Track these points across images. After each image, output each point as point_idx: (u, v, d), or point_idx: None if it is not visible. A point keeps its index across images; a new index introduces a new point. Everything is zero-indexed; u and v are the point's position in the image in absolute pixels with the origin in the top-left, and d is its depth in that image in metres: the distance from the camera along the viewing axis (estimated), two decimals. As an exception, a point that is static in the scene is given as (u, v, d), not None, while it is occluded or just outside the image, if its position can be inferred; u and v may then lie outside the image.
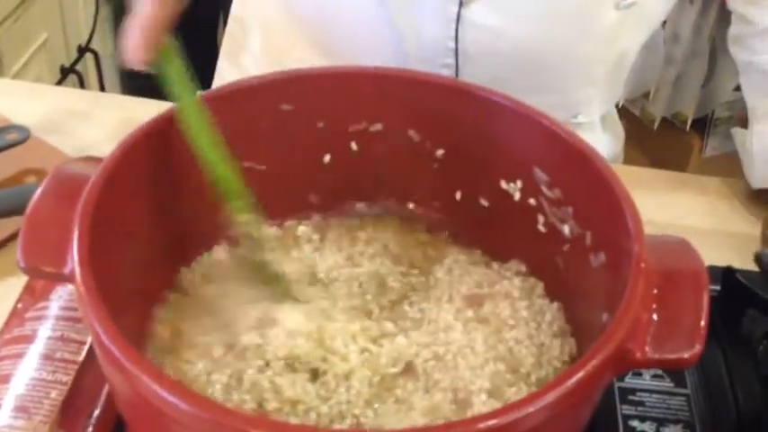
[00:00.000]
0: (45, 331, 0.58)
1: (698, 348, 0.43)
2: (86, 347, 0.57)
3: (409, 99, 0.58)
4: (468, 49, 0.78)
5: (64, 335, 0.58)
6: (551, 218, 0.55)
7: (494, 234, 0.59)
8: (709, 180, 0.87)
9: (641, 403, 0.55)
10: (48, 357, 0.57)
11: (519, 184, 0.57)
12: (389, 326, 0.54)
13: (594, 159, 0.52)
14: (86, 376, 0.55)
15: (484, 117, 0.57)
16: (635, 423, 0.54)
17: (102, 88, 1.69)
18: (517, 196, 0.57)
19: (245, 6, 0.91)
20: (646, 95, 1.76)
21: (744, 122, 1.75)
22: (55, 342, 0.58)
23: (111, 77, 1.71)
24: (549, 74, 0.82)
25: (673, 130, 1.79)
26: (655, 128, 1.79)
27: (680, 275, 0.46)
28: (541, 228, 0.56)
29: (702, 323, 0.44)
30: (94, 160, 0.52)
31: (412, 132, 0.59)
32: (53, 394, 0.54)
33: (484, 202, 0.59)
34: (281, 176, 0.59)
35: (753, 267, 0.75)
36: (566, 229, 0.54)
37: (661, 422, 0.54)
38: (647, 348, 0.43)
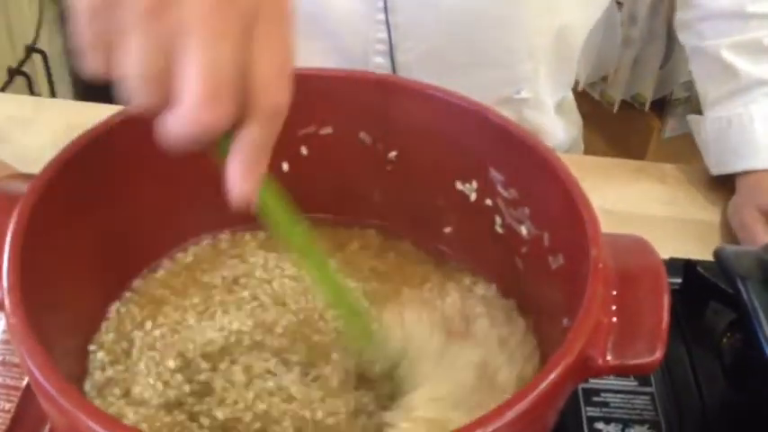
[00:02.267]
0: (-15, 356, 0.56)
1: (659, 354, 0.42)
2: (30, 372, 0.55)
3: (357, 100, 0.57)
4: (399, 20, 0.77)
5: (5, 359, 0.55)
6: (509, 219, 0.54)
7: (450, 236, 0.58)
8: (667, 167, 0.86)
9: (606, 404, 0.54)
10: (-11, 384, 0.54)
11: (475, 184, 0.55)
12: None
13: (549, 158, 0.50)
14: (30, 403, 0.53)
15: (435, 116, 0.56)
16: (600, 425, 0.53)
17: (53, 89, 1.65)
18: (473, 197, 0.55)
19: None
20: (605, 78, 1.76)
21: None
22: (-4, 367, 0.55)
23: (61, 78, 1.67)
24: (486, 45, 0.81)
25: (632, 112, 1.79)
26: (614, 110, 1.79)
27: (639, 276, 0.45)
28: (499, 229, 0.54)
29: (663, 326, 0.43)
30: (29, 177, 0.49)
31: (363, 134, 0.57)
32: (-4, 423, 0.52)
33: (440, 203, 0.57)
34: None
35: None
36: (523, 230, 0.53)
37: (626, 423, 0.53)
38: (608, 355, 0.42)
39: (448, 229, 0.58)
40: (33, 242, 0.44)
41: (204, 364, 0.51)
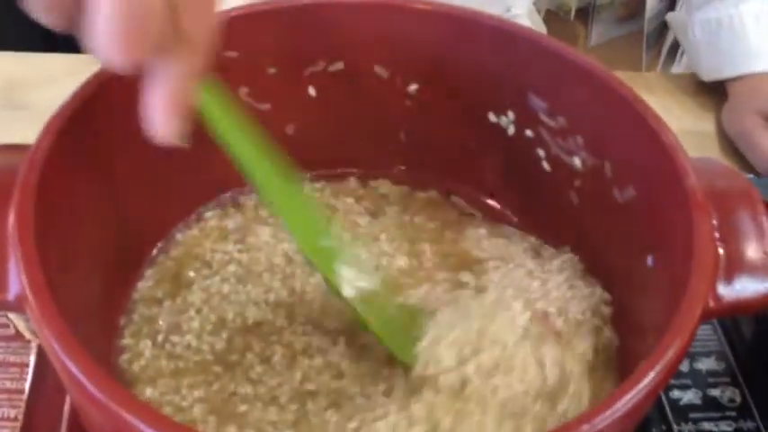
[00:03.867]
0: (-28, 357, 0.49)
1: (772, 282, 0.38)
2: (30, 370, 0.48)
3: (369, 30, 0.50)
4: None
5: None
6: (556, 150, 0.49)
7: (484, 176, 0.53)
8: (651, 76, 0.83)
9: (667, 339, 0.51)
10: (-16, 389, 0.47)
11: (511, 115, 0.50)
12: None
13: (604, 77, 0.45)
14: (38, 407, 0.46)
15: (458, 41, 0.50)
16: (667, 362, 0.49)
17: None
18: (511, 130, 0.50)
19: None
20: (529, -11, 1.71)
21: (626, 7, 1.73)
22: (-11, 369, 0.48)
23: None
24: None
25: (557, 22, 1.75)
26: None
27: (733, 201, 0.41)
28: (544, 163, 0.50)
29: (769, 251, 0.39)
30: (14, 149, 0.41)
31: (378, 68, 0.51)
32: (3, 434, 0.45)
33: (471, 141, 0.52)
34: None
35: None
36: (576, 162, 0.48)
37: (693, 357, 0.50)
38: (719, 293, 0.38)
39: (483, 169, 0.53)
40: (43, 225, 0.37)
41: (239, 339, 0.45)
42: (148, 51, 0.32)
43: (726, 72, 0.76)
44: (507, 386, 0.43)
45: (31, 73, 0.74)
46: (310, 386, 0.43)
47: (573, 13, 1.74)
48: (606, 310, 0.47)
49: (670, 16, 0.82)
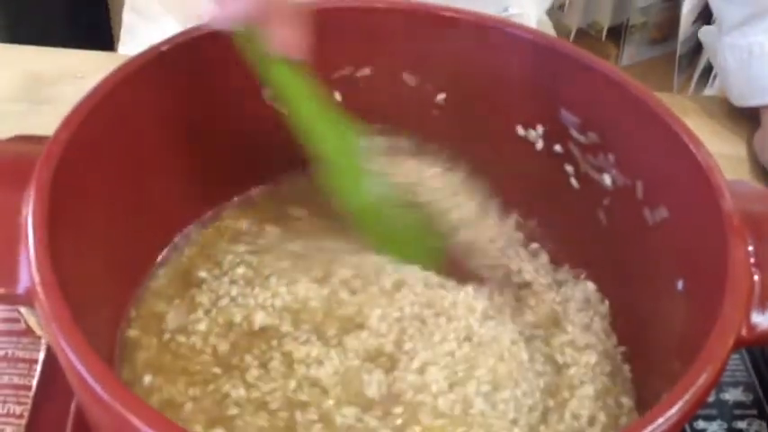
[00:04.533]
0: (-19, 351, 0.48)
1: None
2: (39, 367, 0.47)
3: (400, 36, 0.49)
4: None
5: (8, 354, 0.47)
6: (585, 167, 0.47)
7: (506, 189, 0.51)
8: (686, 100, 0.81)
9: (694, 367, 0.49)
10: (-9, 384, 0.46)
11: (540, 130, 0.49)
12: None
13: (640, 94, 0.44)
14: (44, 405, 0.45)
15: (489, 51, 0.49)
16: (692, 391, 0.48)
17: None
18: (540, 145, 0.49)
19: None
20: (561, 7, 1.70)
21: (659, 29, 1.71)
22: (-3, 363, 0.47)
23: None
24: None
25: (589, 41, 1.74)
26: (571, 39, 1.73)
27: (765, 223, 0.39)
28: (572, 179, 0.48)
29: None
30: (32, 140, 0.41)
31: (406, 75, 0.50)
32: (8, 431, 0.44)
33: (496, 154, 0.50)
34: (258, 140, 0.49)
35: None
36: (606, 180, 0.46)
37: (720, 387, 0.48)
38: (753, 322, 0.36)
39: (508, 183, 0.52)
40: (58, 217, 0.36)
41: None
42: None
43: (757, 99, 0.74)
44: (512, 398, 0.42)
45: (56, 68, 0.73)
46: (303, 397, 0.42)
47: (605, 32, 1.72)
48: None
49: (703, 32, 0.81)
